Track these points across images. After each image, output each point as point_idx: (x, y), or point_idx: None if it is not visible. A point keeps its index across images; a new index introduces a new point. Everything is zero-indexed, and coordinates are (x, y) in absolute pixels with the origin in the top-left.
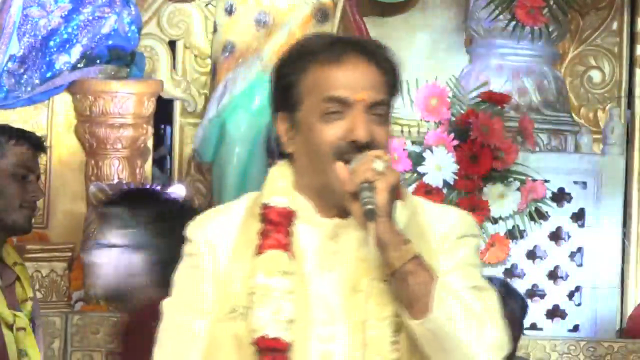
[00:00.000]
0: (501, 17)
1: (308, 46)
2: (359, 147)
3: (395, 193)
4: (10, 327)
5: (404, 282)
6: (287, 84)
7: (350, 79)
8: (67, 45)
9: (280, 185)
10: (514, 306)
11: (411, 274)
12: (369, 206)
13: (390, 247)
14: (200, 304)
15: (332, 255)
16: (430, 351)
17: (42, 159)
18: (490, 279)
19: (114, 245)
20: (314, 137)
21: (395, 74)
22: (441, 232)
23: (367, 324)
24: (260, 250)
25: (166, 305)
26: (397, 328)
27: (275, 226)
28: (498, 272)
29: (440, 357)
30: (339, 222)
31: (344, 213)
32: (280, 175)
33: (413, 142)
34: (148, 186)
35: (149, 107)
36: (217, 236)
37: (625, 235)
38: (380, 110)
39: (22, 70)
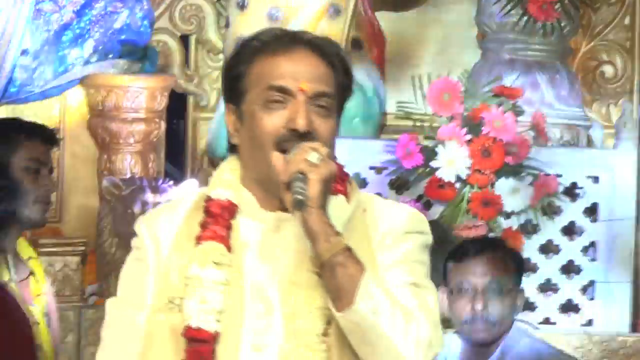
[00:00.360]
0: (513, 12)
1: (258, 38)
2: (299, 137)
3: (329, 186)
4: None
5: (333, 273)
6: (235, 75)
7: (294, 70)
8: (80, 40)
9: (226, 179)
10: (505, 257)
11: (340, 265)
12: (299, 196)
13: (320, 237)
14: (142, 298)
15: (273, 248)
16: (356, 344)
17: (55, 153)
18: (486, 240)
19: None
20: (256, 126)
21: (345, 72)
22: (385, 228)
23: (297, 315)
24: (198, 241)
25: (110, 302)
26: (327, 320)
27: (215, 218)
28: None
29: (366, 350)
30: (281, 215)
31: (286, 206)
32: (228, 168)
33: (426, 137)
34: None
35: (162, 101)
36: (162, 230)
37: (638, 229)
38: (324, 103)
39: (34, 65)
